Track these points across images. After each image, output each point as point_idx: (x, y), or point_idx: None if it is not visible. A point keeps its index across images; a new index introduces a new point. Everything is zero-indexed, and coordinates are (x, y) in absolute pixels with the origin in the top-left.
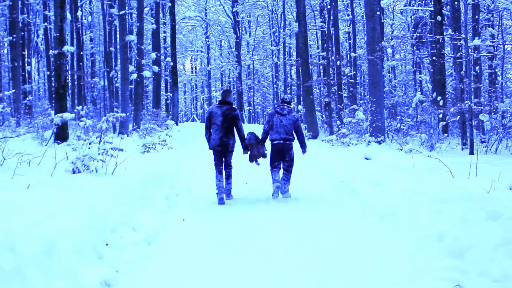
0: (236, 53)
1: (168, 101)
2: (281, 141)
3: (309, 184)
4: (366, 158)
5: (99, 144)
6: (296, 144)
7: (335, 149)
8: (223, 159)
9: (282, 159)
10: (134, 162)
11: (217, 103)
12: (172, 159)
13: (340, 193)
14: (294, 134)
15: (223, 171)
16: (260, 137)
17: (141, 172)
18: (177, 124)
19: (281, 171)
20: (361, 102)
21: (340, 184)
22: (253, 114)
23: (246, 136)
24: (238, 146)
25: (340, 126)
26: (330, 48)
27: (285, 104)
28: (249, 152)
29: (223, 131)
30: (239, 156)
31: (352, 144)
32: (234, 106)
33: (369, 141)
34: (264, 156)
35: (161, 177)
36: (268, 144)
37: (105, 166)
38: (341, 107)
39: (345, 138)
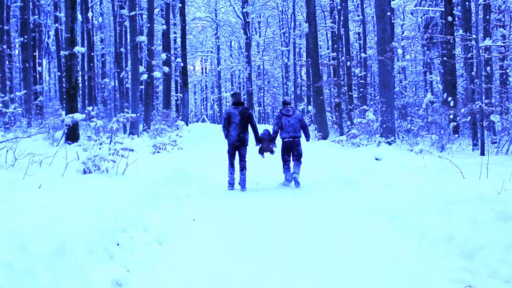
0: (246, 53)
1: (178, 102)
2: (291, 139)
3: (318, 184)
4: (376, 159)
5: (110, 144)
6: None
7: (345, 149)
8: (238, 152)
9: (291, 153)
10: (145, 162)
11: (232, 105)
12: (183, 159)
13: (350, 194)
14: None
15: (237, 165)
16: (272, 134)
17: (151, 173)
18: (187, 125)
19: (292, 164)
20: (371, 102)
21: (349, 185)
22: (263, 114)
23: (261, 132)
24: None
25: (350, 127)
26: (340, 49)
27: (289, 106)
28: (260, 145)
29: (240, 128)
30: (251, 159)
31: (362, 144)
32: (245, 104)
33: (379, 142)
34: (272, 152)
35: (172, 177)
36: (279, 142)
37: (116, 167)
38: (351, 107)
39: (355, 139)
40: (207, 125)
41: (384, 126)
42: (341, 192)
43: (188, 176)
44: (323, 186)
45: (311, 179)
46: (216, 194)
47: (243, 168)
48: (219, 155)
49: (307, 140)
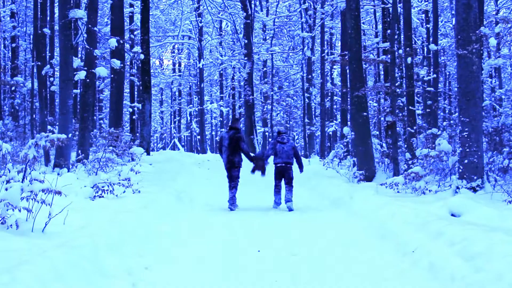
0: (245, 41)
1: (134, 116)
2: (283, 164)
3: (359, 255)
4: (452, 215)
5: (23, 183)
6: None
7: (403, 198)
8: (228, 173)
9: (283, 177)
10: (79, 212)
11: (227, 128)
12: (141, 209)
13: (411, 270)
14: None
15: (234, 187)
16: (261, 162)
17: (89, 229)
18: (148, 154)
19: (283, 190)
20: (444, 123)
21: (410, 256)
22: (270, 139)
23: (254, 153)
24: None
25: (410, 162)
26: (395, 37)
27: (284, 135)
28: (253, 164)
29: (230, 151)
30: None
31: (429, 191)
32: (239, 130)
33: (457, 187)
34: (263, 171)
35: (123, 238)
36: (271, 168)
37: (33, 219)
38: (412, 131)
39: (418, 182)
40: (180, 155)
41: (466, 161)
42: (394, 266)
43: (150, 237)
44: (365, 259)
45: (345, 249)
46: (193, 264)
47: (232, 187)
48: (203, 205)
49: (301, 170)
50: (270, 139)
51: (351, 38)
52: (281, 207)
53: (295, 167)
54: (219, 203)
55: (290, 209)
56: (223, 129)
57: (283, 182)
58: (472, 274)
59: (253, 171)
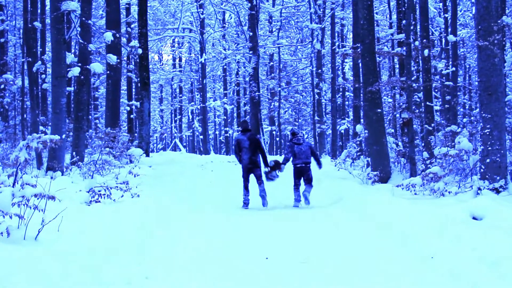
0: (250, 33)
1: (132, 115)
2: (303, 164)
3: (374, 262)
4: (473, 218)
5: (14, 187)
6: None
7: (420, 200)
8: (254, 174)
9: (302, 176)
10: (74, 218)
11: (240, 132)
12: (140, 214)
13: (430, 277)
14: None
15: (256, 185)
16: (280, 162)
17: (85, 236)
18: (147, 155)
19: (302, 189)
20: (465, 120)
21: (429, 262)
22: (277, 138)
23: (270, 162)
24: None
25: (428, 162)
26: (411, 28)
27: (298, 135)
28: (268, 169)
29: (251, 152)
30: None
31: (449, 192)
32: (252, 131)
33: (479, 188)
34: (274, 176)
35: (121, 246)
36: (290, 168)
37: (25, 226)
38: (430, 128)
39: (437, 183)
40: (181, 156)
41: (488, 161)
42: (411, 273)
43: (149, 243)
44: (381, 267)
45: (361, 253)
46: (196, 273)
47: (261, 183)
48: (206, 209)
49: (320, 167)
50: (277, 139)
51: (364, 30)
52: (301, 205)
53: (313, 165)
54: (223, 208)
55: (307, 202)
56: (227, 128)
57: (302, 181)
58: (496, 281)
59: (267, 176)
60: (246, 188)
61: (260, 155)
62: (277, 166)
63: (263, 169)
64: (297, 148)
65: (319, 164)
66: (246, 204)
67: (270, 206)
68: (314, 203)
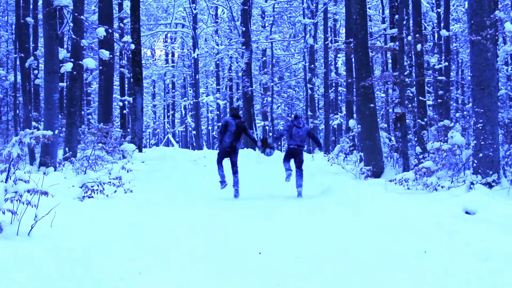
0: (243, 29)
1: (125, 111)
2: (296, 146)
3: (366, 257)
4: (466, 212)
5: (6, 183)
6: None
7: (413, 195)
8: (230, 159)
9: (293, 158)
10: (68, 214)
11: (230, 115)
12: (133, 210)
13: (422, 272)
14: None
15: (230, 169)
16: (267, 141)
17: (78, 232)
18: (140, 150)
19: (293, 174)
20: (457, 115)
21: (421, 257)
22: (270, 134)
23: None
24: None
25: (421, 156)
26: (404, 22)
27: (300, 119)
28: (261, 146)
29: (233, 137)
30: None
31: (442, 187)
32: (243, 120)
33: (471, 183)
34: (272, 148)
35: (114, 241)
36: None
37: (17, 221)
38: (423, 123)
39: (430, 177)
40: (174, 151)
41: (481, 155)
42: (403, 269)
43: (143, 238)
44: (372, 262)
45: (353, 248)
46: (189, 268)
47: (235, 172)
48: (199, 204)
49: (320, 149)
50: (270, 134)
51: (357, 25)
52: (291, 195)
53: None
54: (216, 203)
55: (300, 195)
56: (220, 123)
57: (293, 165)
58: (489, 277)
59: (263, 151)
60: (220, 164)
61: (249, 139)
62: (265, 143)
63: (257, 150)
64: (295, 130)
65: (319, 145)
66: (223, 182)
67: (265, 199)
68: (306, 197)
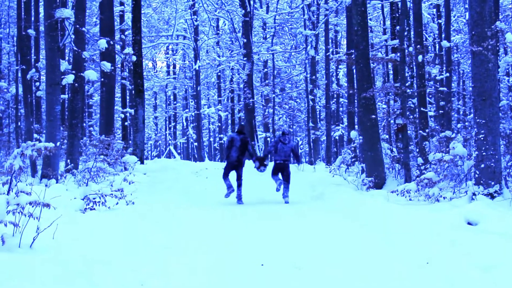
0: (245, 40)
1: (127, 123)
2: (282, 161)
3: (369, 268)
4: (468, 223)
5: (9, 195)
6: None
7: (415, 206)
8: (236, 172)
9: (281, 172)
10: (70, 226)
11: (236, 132)
12: (135, 222)
13: (425, 283)
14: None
15: (236, 182)
16: (263, 159)
17: (80, 244)
18: (142, 162)
19: (282, 187)
20: (459, 125)
21: (424, 267)
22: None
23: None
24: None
25: (422, 167)
26: (405, 33)
27: (287, 136)
28: (257, 162)
29: (239, 151)
30: None
31: (444, 198)
32: (246, 135)
33: (473, 193)
34: (265, 165)
35: (116, 253)
36: (271, 164)
37: (19, 234)
38: (424, 134)
39: (432, 188)
40: (176, 163)
41: (482, 166)
42: (408, 279)
43: (145, 249)
44: (380, 270)
45: (356, 259)
46: (191, 279)
47: (239, 185)
48: (201, 215)
49: (298, 162)
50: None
51: (358, 36)
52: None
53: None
54: (219, 214)
55: (287, 202)
56: (221, 135)
57: (280, 176)
58: (491, 285)
59: (258, 167)
60: (226, 176)
61: (249, 154)
62: (261, 161)
63: (253, 165)
64: (280, 146)
65: (298, 159)
66: (230, 187)
67: (265, 207)
68: (308, 209)
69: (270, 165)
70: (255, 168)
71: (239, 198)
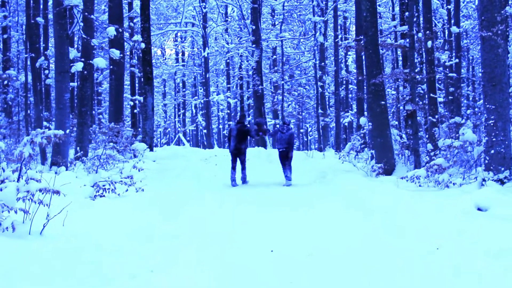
0: (253, 27)
1: (136, 110)
2: (283, 149)
3: (379, 254)
4: (478, 209)
5: (19, 182)
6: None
7: (425, 192)
8: (238, 158)
9: (285, 158)
10: (79, 213)
11: (235, 122)
12: (145, 209)
13: (435, 269)
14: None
15: (237, 168)
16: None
17: (90, 231)
18: (151, 150)
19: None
20: (468, 111)
21: (434, 253)
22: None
23: (257, 120)
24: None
25: (432, 154)
26: (414, 19)
27: (285, 126)
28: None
29: (237, 140)
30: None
31: (453, 184)
32: (245, 124)
33: (483, 179)
34: (260, 134)
35: (125, 240)
36: (275, 152)
37: (30, 221)
38: (434, 120)
39: (441, 174)
40: (185, 150)
41: (492, 152)
42: (418, 265)
43: (154, 236)
44: (389, 256)
45: (365, 245)
46: (201, 266)
47: (243, 168)
48: (210, 202)
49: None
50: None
51: (367, 22)
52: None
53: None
54: (228, 201)
55: (289, 184)
56: (231, 122)
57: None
58: (502, 273)
59: (257, 134)
60: (233, 168)
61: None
62: (260, 126)
63: (268, 149)
64: (279, 135)
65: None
66: (233, 180)
67: (275, 198)
68: (317, 194)
69: (263, 153)
70: (254, 135)
71: (244, 179)
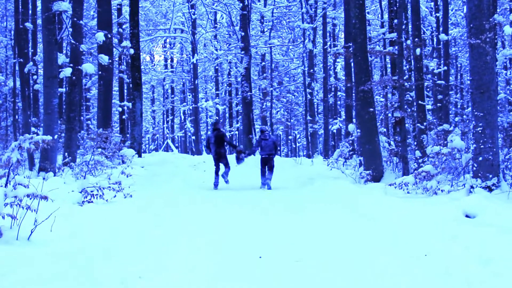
0: (242, 34)
1: (124, 116)
2: (267, 155)
3: (367, 260)
4: (466, 216)
5: (6, 188)
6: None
7: (413, 199)
8: (220, 162)
9: (267, 164)
10: (67, 218)
11: (211, 130)
12: (133, 214)
13: (424, 275)
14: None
15: (221, 171)
16: (241, 151)
17: (78, 236)
18: (140, 156)
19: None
20: (457, 119)
21: (422, 260)
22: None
23: (238, 147)
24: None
25: (420, 161)
26: (403, 27)
27: (266, 133)
28: (238, 155)
29: (216, 146)
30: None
31: (442, 191)
32: (221, 130)
33: (471, 186)
34: (242, 159)
35: (114, 245)
36: (258, 158)
37: (17, 226)
38: (422, 127)
39: (429, 181)
40: (174, 156)
41: (480, 159)
42: (406, 271)
43: (143, 242)
44: (377, 263)
45: (353, 252)
46: (190, 272)
47: (227, 170)
48: (199, 208)
49: (275, 154)
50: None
51: (356, 29)
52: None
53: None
54: (217, 207)
55: (269, 187)
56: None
57: (266, 168)
58: (490, 280)
59: (237, 159)
60: (216, 173)
61: (228, 145)
62: (239, 153)
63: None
64: (264, 143)
65: (276, 151)
66: (216, 185)
67: (261, 200)
68: (305, 201)
69: (251, 159)
70: (236, 159)
71: (226, 178)
